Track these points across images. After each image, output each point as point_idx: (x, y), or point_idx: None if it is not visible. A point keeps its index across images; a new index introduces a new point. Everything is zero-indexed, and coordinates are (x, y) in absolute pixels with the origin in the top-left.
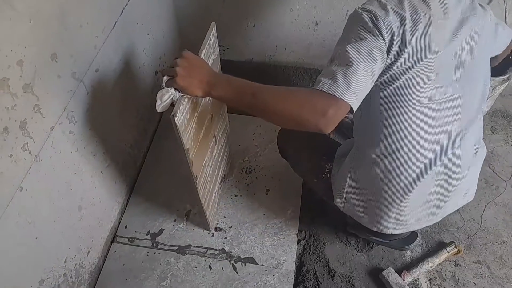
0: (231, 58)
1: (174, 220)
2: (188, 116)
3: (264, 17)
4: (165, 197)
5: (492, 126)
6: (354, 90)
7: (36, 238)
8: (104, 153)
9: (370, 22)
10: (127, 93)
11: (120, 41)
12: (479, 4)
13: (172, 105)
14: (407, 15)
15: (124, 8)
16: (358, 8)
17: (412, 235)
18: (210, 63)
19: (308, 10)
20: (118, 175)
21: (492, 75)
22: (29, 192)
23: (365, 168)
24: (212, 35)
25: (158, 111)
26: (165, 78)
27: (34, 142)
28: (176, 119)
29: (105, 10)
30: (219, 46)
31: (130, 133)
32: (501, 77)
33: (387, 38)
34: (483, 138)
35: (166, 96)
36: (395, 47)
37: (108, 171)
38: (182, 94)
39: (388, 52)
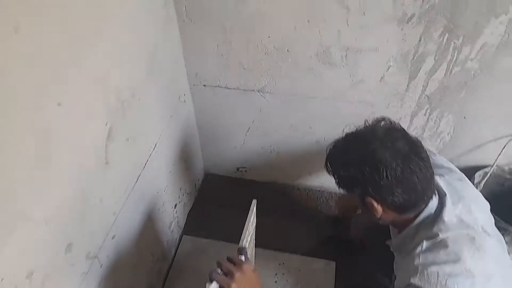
0: (254, 178)
1: None
2: None
3: (288, 147)
4: None
5: None
6: None
7: None
8: None
9: None
10: (144, 242)
11: (142, 194)
12: None
13: None
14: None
15: (147, 160)
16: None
17: None
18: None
19: None
20: None
21: None
22: None
23: None
24: (253, 215)
25: None
26: (213, 285)
27: None
28: None
29: (127, 173)
30: (243, 168)
31: (143, 281)
32: None
33: None
34: None
35: None
36: None
37: None
38: None
39: None
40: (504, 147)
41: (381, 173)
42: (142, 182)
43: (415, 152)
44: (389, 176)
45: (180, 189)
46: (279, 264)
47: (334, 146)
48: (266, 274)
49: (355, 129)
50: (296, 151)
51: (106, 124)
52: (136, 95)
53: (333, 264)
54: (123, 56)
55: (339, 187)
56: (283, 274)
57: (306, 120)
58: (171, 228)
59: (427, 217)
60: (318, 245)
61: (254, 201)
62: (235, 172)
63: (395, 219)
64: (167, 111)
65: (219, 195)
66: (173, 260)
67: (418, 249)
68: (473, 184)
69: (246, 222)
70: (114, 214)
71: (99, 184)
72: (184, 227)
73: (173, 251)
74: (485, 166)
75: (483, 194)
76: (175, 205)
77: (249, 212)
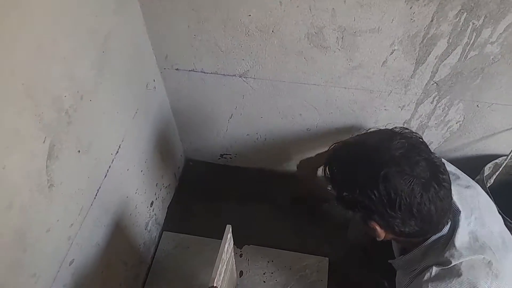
0: (239, 164)
1: None
2: None
3: (276, 134)
4: None
5: None
6: None
7: None
8: None
9: None
10: (113, 254)
11: (106, 205)
12: None
13: None
14: None
15: (109, 168)
16: None
17: None
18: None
19: (326, 131)
20: None
21: None
22: None
23: None
24: (227, 243)
25: None
26: None
27: None
28: None
29: (81, 189)
30: (227, 154)
31: None
32: None
33: None
34: None
35: None
36: None
37: None
38: None
39: None
40: None
41: (393, 203)
42: (103, 193)
43: (436, 179)
44: (402, 208)
45: (157, 184)
46: (268, 262)
47: (339, 156)
48: (252, 273)
49: (365, 136)
50: (285, 138)
51: (44, 142)
52: (85, 97)
53: (326, 261)
54: (59, 55)
55: (337, 204)
56: (272, 273)
57: (296, 107)
58: (148, 228)
59: (439, 239)
60: (310, 239)
61: (228, 227)
62: (219, 158)
63: (398, 239)
64: (131, 106)
65: (202, 184)
66: (152, 261)
67: (427, 275)
68: (483, 178)
69: (218, 255)
70: (70, 238)
71: (43, 214)
72: (163, 224)
73: (152, 252)
74: (494, 156)
75: (492, 184)
76: (151, 203)
77: (222, 241)
